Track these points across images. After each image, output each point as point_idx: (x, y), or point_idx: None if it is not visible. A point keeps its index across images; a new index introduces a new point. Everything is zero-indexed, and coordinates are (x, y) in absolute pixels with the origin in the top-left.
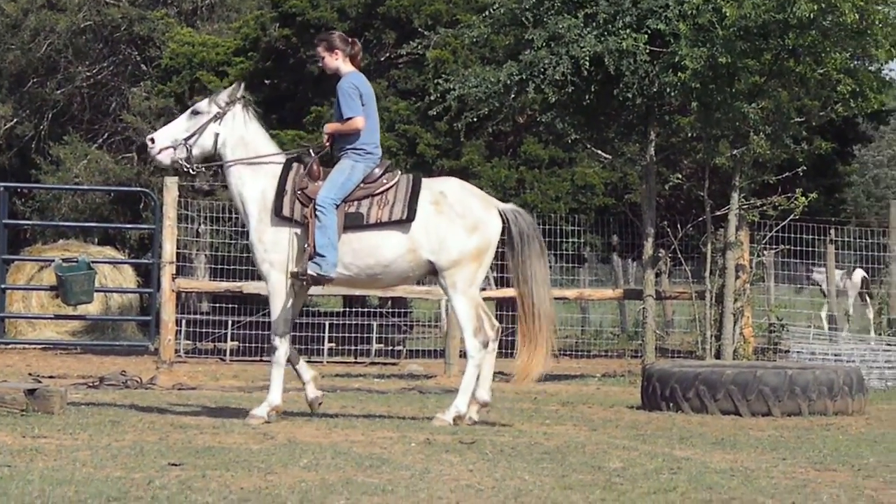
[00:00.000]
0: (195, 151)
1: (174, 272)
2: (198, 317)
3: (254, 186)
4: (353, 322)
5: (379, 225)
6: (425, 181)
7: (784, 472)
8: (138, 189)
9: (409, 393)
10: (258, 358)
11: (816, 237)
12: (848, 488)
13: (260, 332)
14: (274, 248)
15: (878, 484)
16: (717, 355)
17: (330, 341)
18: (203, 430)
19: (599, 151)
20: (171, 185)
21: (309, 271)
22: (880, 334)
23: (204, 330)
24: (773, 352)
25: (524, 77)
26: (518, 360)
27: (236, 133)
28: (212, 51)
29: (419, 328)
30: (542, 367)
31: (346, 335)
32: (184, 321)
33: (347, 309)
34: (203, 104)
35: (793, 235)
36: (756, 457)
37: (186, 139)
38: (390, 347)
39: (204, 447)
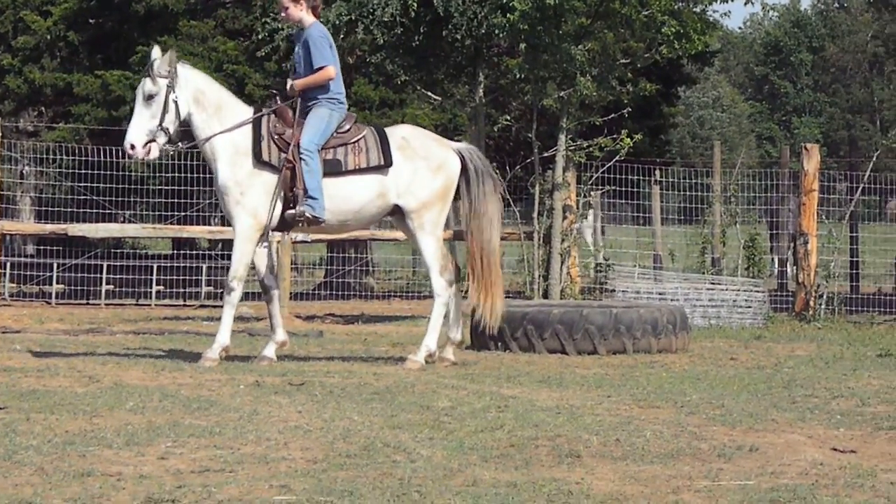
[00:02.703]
0: (172, 129)
1: None
2: (23, 259)
3: (225, 135)
4: (183, 265)
5: (356, 171)
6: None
7: (608, 409)
8: None
9: (239, 335)
10: (84, 301)
11: (642, 178)
12: (671, 425)
13: (86, 274)
14: (249, 191)
15: (701, 420)
16: (545, 295)
17: (158, 284)
18: (28, 373)
19: (429, 93)
20: None
21: (306, 213)
22: (704, 273)
23: (29, 273)
24: (600, 291)
25: (353, 18)
26: (474, 300)
27: (191, 88)
28: None
29: (250, 270)
30: (502, 303)
31: (175, 277)
32: (8, 264)
33: (176, 251)
34: (149, 85)
35: (619, 176)
36: (581, 394)
37: (160, 124)
38: (220, 290)
39: (28, 390)
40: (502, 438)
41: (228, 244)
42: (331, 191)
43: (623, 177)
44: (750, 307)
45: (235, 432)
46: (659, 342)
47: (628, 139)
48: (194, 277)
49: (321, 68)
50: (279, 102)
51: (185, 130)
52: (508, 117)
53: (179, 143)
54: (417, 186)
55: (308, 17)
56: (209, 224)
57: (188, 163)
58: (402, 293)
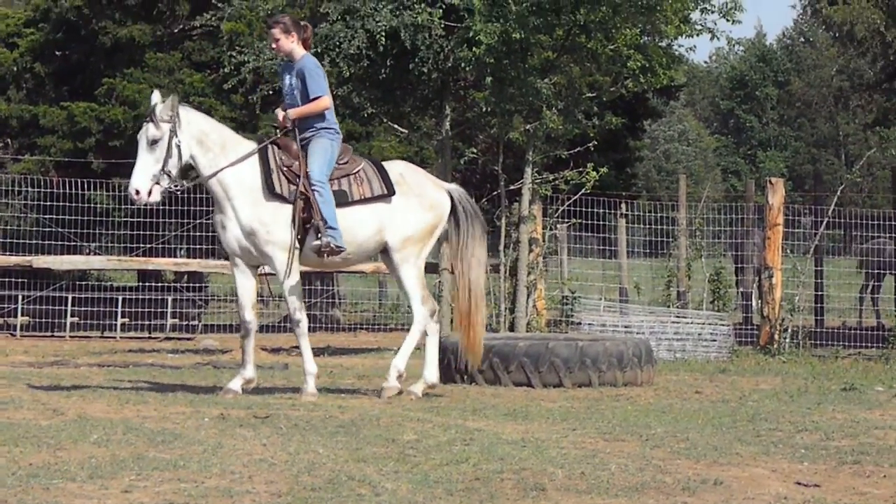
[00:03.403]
0: (174, 172)
1: None
2: None
3: (233, 172)
4: (148, 297)
5: (361, 202)
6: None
7: (574, 442)
8: None
9: (204, 368)
10: (49, 333)
11: (608, 211)
12: (636, 458)
13: (51, 307)
14: (275, 227)
15: (665, 454)
16: (511, 328)
17: (123, 316)
18: None
19: (396, 126)
20: None
21: (331, 243)
22: (669, 306)
23: None
24: (566, 324)
25: (319, 50)
26: (458, 337)
27: (194, 130)
28: (2, 22)
29: (215, 303)
30: (481, 342)
31: (141, 310)
32: None
33: (141, 284)
34: (152, 131)
35: (585, 209)
36: (547, 427)
37: (163, 168)
38: (186, 322)
39: None
40: (468, 472)
41: (194, 276)
42: (339, 222)
43: (589, 210)
44: (715, 340)
45: (200, 465)
46: (624, 375)
47: (594, 172)
48: (159, 310)
49: (317, 98)
50: (278, 135)
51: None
52: (475, 150)
53: (184, 182)
54: (408, 223)
55: (299, 49)
56: (175, 256)
57: None
58: (368, 325)
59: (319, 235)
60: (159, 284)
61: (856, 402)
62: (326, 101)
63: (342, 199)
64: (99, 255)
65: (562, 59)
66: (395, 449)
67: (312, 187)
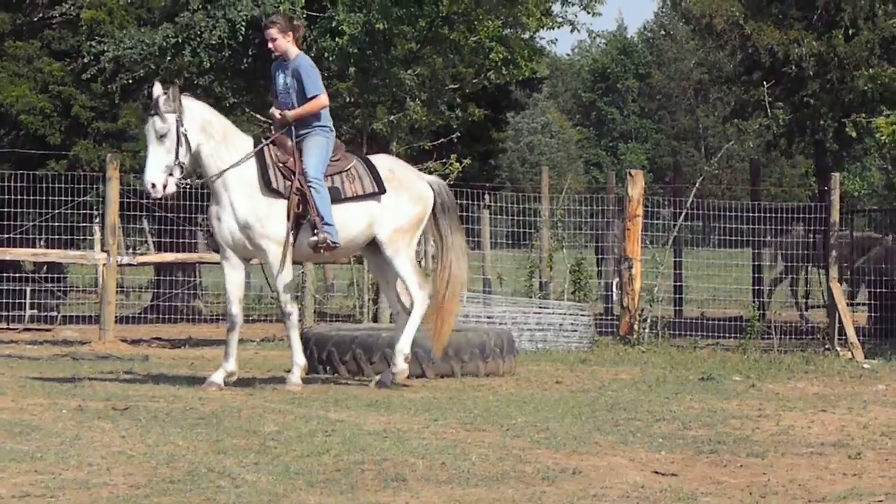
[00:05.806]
0: (186, 161)
1: None
2: None
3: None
4: (6, 287)
5: (353, 199)
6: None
7: (435, 432)
8: None
9: (63, 359)
10: None
11: (471, 202)
12: (496, 448)
13: None
14: (269, 222)
15: (526, 443)
16: (375, 319)
17: None
18: None
19: (259, 115)
20: None
21: (328, 239)
22: (531, 297)
23: None
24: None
25: (180, 40)
26: (432, 326)
27: (197, 118)
28: None
29: (75, 294)
30: (450, 332)
31: None
32: None
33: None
34: (158, 124)
35: None
36: (409, 418)
37: (176, 159)
38: (45, 313)
39: None
40: (328, 463)
41: (53, 267)
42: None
43: None
44: (576, 331)
45: (57, 457)
46: (486, 365)
47: (458, 164)
48: (18, 300)
49: (315, 97)
50: (274, 132)
51: None
52: (338, 141)
53: (193, 177)
54: (398, 216)
55: (293, 48)
56: (34, 246)
57: (11, 184)
58: None
59: (316, 231)
60: (18, 275)
61: (713, 392)
62: (324, 100)
63: (335, 196)
64: None
65: (425, 50)
66: (255, 440)
67: (309, 184)
